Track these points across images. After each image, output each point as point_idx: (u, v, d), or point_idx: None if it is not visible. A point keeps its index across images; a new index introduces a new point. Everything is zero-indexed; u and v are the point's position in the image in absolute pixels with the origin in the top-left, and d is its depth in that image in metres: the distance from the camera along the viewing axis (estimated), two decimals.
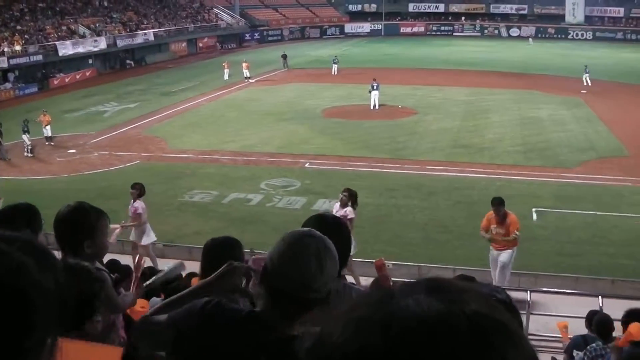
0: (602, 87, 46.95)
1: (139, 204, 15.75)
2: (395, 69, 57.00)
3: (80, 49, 58.98)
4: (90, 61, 60.92)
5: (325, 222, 3.64)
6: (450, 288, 1.11)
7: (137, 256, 14.95)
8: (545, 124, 35.30)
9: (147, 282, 5.21)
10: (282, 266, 2.52)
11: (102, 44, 61.77)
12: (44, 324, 1.31)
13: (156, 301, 7.00)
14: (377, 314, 1.03)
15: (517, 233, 14.11)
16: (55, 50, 56.29)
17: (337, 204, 14.94)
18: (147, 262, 12.66)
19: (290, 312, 2.56)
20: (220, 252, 4.42)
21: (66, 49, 57.25)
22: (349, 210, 14.70)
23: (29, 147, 30.21)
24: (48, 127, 31.95)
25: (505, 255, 14.27)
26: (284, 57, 60.14)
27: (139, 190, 15.73)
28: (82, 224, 4.25)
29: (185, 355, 2.61)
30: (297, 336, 2.52)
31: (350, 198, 14.68)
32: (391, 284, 5.75)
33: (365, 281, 11.41)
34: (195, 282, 7.40)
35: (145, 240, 15.92)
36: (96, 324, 4.09)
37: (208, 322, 2.60)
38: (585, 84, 48.16)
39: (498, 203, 14.42)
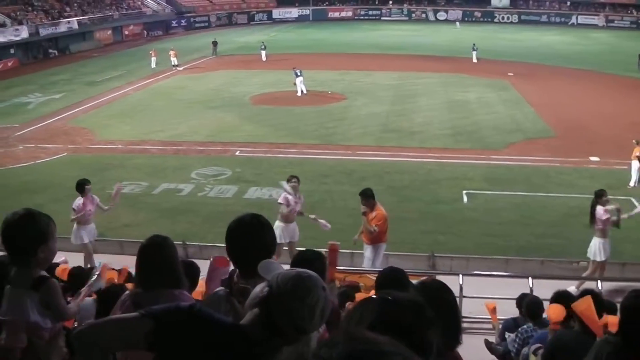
0: (528, 70, 47.88)
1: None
2: (323, 54, 57.09)
3: (1, 39, 57.45)
4: (11, 51, 59.29)
5: (429, 290, 3.60)
6: (368, 355, 1.06)
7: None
8: (473, 106, 35.78)
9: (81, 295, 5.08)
10: (284, 305, 2.53)
11: (23, 32, 60.19)
12: None
13: (88, 301, 6.84)
14: None
15: (375, 228, 13.50)
16: None
17: (287, 194, 14.70)
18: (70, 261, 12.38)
19: (275, 338, 2.57)
20: (152, 254, 4.35)
21: None
22: (301, 196, 14.79)
23: None
24: None
25: (367, 251, 13.99)
26: (214, 44, 59.62)
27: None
28: (35, 230, 4.15)
29: (163, 349, 2.55)
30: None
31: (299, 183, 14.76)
32: (332, 272, 5.74)
33: None
34: (130, 287, 7.28)
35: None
36: (43, 332, 4.01)
37: (192, 322, 2.58)
38: (474, 61, 52.45)
39: (363, 195, 13.87)
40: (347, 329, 1.53)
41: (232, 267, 4.34)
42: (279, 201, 14.89)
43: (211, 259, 4.48)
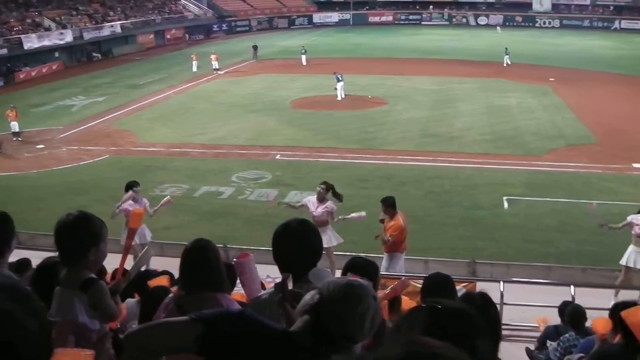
0: (569, 75, 47.38)
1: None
2: (363, 59, 57.04)
3: (46, 42, 58.29)
4: (56, 54, 60.15)
5: (474, 301, 3.64)
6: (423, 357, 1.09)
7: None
8: (514, 112, 35.52)
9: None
10: (335, 313, 2.54)
11: (68, 36, 61.07)
12: None
13: (131, 302, 6.94)
14: None
15: (389, 237, 13.32)
16: (20, 44, 55.58)
17: (313, 198, 14.84)
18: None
19: (324, 346, 2.58)
20: (196, 257, 4.40)
21: (31, 42, 56.55)
22: (329, 204, 14.70)
23: None
24: (15, 123, 31.53)
25: (383, 259, 13.76)
26: (255, 48, 59.88)
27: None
28: (88, 232, 4.22)
29: (213, 354, 2.58)
30: None
31: (328, 191, 14.68)
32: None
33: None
34: (163, 281, 7.36)
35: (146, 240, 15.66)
36: (91, 334, 4.06)
37: (242, 327, 2.59)
38: (506, 64, 52.33)
39: (384, 202, 13.73)
40: (399, 337, 1.55)
41: (251, 258, 4.39)
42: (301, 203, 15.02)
43: (234, 262, 4.52)
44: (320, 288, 2.64)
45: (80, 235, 4.20)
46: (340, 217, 14.84)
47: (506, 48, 54.19)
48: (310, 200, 14.83)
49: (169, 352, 2.94)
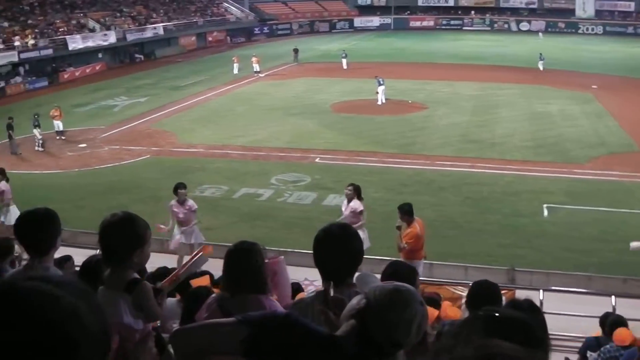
0: (612, 82, 46.78)
1: (192, 202, 15.90)
2: (404, 64, 56.87)
3: (90, 43, 59.04)
4: (99, 55, 60.95)
5: (521, 308, 3.64)
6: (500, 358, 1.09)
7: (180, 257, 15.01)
8: (555, 119, 35.19)
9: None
10: (382, 318, 2.54)
11: (111, 37, 61.79)
12: None
13: (172, 302, 7.00)
14: None
15: (404, 244, 13.14)
16: (65, 44, 56.37)
17: (345, 201, 14.98)
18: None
19: (369, 351, 2.57)
20: (240, 259, 4.39)
21: (76, 43, 57.32)
22: (357, 203, 14.75)
23: (40, 142, 30.30)
24: (60, 122, 31.99)
25: None
26: (296, 51, 60.11)
27: (186, 188, 15.76)
28: (133, 234, 4.23)
29: (258, 357, 2.57)
30: None
31: (355, 192, 14.74)
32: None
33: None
34: (204, 282, 7.41)
35: (194, 240, 15.81)
36: (135, 334, 4.08)
37: (288, 330, 2.58)
38: (541, 69, 52.80)
39: (400, 210, 13.58)
40: (456, 347, 1.53)
41: (282, 260, 4.38)
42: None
43: (267, 263, 4.52)
44: (366, 293, 2.64)
45: (125, 236, 4.20)
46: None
47: (541, 53, 54.48)
48: (343, 203, 14.96)
49: (214, 353, 2.95)
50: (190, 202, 15.79)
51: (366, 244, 14.88)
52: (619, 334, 7.44)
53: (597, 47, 69.75)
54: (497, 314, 2.35)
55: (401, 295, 2.59)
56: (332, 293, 3.27)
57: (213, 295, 4.86)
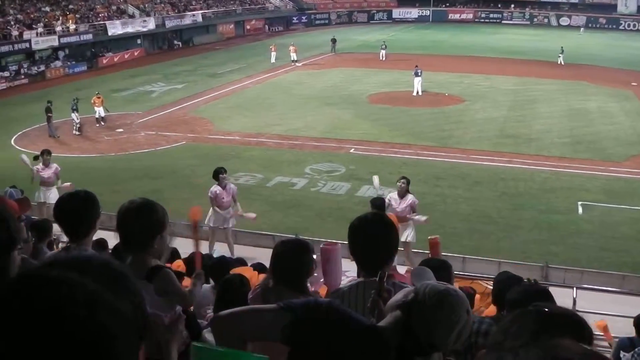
0: None
1: (234, 186, 16.13)
2: (442, 56, 56.52)
3: (129, 29, 59.52)
4: (138, 41, 61.45)
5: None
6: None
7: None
8: (594, 116, 34.79)
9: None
10: (426, 316, 2.54)
11: (150, 24, 62.22)
12: (126, 354, 1.28)
13: (206, 288, 7.05)
14: None
15: None
16: (105, 30, 56.91)
17: (395, 194, 14.87)
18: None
19: (409, 346, 2.57)
20: (289, 258, 4.37)
21: (115, 28, 57.82)
22: (411, 198, 14.75)
23: (78, 126, 30.61)
24: (101, 108, 32.23)
25: None
26: (333, 41, 59.98)
27: (225, 173, 15.82)
28: (154, 220, 4.19)
29: (299, 344, 2.59)
30: None
31: (408, 185, 14.75)
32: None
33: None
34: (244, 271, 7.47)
35: (227, 224, 15.91)
36: (163, 319, 4.08)
37: (330, 318, 2.58)
38: (559, 63, 53.30)
39: (372, 204, 13.38)
40: (505, 343, 1.51)
41: (339, 247, 4.38)
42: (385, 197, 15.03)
43: (321, 248, 4.52)
44: (417, 287, 2.63)
45: (144, 223, 4.17)
46: (413, 217, 14.86)
47: (562, 47, 54.57)
48: (392, 197, 14.85)
49: (255, 339, 2.96)
50: (231, 185, 15.95)
51: (413, 238, 14.93)
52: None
53: (638, 43, 68.70)
54: (547, 310, 2.34)
55: (450, 297, 2.57)
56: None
57: (262, 280, 4.88)
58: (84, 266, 1.34)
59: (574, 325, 2.29)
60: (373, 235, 3.80)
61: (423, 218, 14.88)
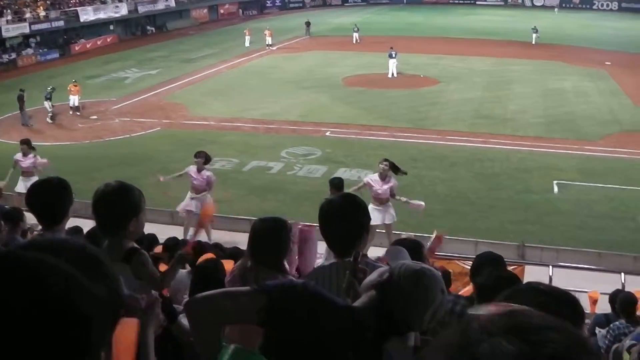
0: (628, 60, 46.29)
1: (211, 173, 15.94)
2: (417, 38, 56.52)
3: (102, 15, 58.92)
4: (111, 27, 60.79)
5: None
6: (530, 327, 1.06)
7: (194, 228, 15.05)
8: (569, 95, 34.97)
9: None
10: (400, 296, 2.54)
11: (123, 9, 61.61)
12: (100, 338, 1.27)
13: (182, 273, 7.01)
14: None
15: None
16: (77, 16, 56.29)
17: (375, 176, 14.85)
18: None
19: (384, 325, 2.57)
20: (267, 235, 4.37)
21: (87, 14, 57.22)
22: (392, 180, 14.72)
23: (50, 114, 30.29)
24: (76, 97, 31.82)
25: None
26: (308, 24, 59.80)
27: (204, 158, 15.73)
28: (128, 203, 4.21)
29: (275, 325, 2.57)
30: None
31: (391, 168, 14.68)
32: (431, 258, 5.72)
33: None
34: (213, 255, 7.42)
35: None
36: (139, 301, 4.08)
37: (305, 299, 2.56)
38: (533, 43, 53.67)
39: (331, 184, 13.35)
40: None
41: (315, 231, 4.37)
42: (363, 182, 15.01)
43: (298, 229, 4.51)
44: (392, 267, 2.62)
45: (120, 206, 4.19)
46: (403, 199, 14.84)
47: (534, 26, 54.97)
48: (372, 178, 14.83)
49: (230, 322, 2.93)
50: (208, 174, 15.87)
51: (395, 218, 14.97)
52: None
53: (612, 23, 69.02)
54: (541, 287, 2.34)
55: (425, 277, 2.57)
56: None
57: (239, 261, 4.89)
58: (58, 249, 1.33)
59: (568, 303, 2.31)
60: (343, 215, 3.78)
61: (422, 205, 14.81)
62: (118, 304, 1.40)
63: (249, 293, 2.64)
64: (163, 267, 6.08)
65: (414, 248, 4.72)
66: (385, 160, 14.92)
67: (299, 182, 21.75)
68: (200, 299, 2.79)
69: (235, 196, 20.22)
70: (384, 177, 14.66)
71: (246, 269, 4.41)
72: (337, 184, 13.25)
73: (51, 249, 1.32)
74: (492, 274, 4.99)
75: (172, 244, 9.30)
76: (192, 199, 15.83)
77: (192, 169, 15.80)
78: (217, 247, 9.96)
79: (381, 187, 14.63)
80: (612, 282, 10.64)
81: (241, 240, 5.81)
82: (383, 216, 14.66)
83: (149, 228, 8.16)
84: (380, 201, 14.75)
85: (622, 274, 11.19)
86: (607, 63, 44.22)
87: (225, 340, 2.70)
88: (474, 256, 6.55)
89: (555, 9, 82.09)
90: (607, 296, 9.28)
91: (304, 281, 2.86)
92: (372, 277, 2.67)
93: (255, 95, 35.04)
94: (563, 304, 2.30)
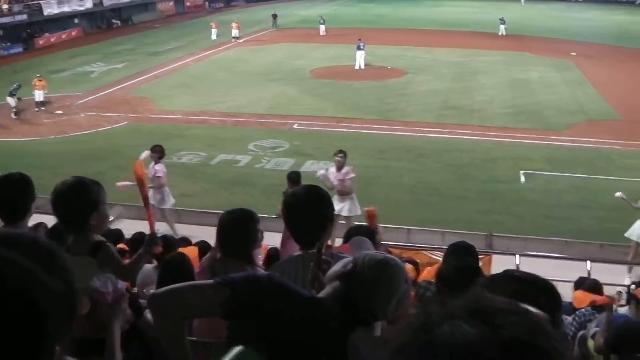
0: (593, 50, 46.78)
1: (160, 167, 15.65)
2: (385, 30, 56.69)
3: (66, 8, 58.20)
4: (76, 20, 60.12)
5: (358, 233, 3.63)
6: (491, 310, 1.06)
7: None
8: (535, 86, 35.22)
9: None
10: (364, 286, 2.53)
11: (88, 3, 60.90)
12: (55, 332, 1.24)
13: (149, 268, 6.96)
14: (415, 344, 1.02)
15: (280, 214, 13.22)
16: (40, 10, 55.57)
17: (332, 169, 14.88)
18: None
19: (349, 316, 2.55)
20: (235, 227, 4.43)
21: (51, 8, 56.51)
22: (349, 169, 14.74)
23: (14, 110, 29.87)
24: (41, 92, 31.36)
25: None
26: (274, 16, 59.67)
27: (159, 153, 15.56)
28: (86, 198, 4.19)
29: (238, 317, 2.53)
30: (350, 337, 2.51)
31: (346, 158, 14.73)
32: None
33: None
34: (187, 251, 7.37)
35: (164, 205, 15.84)
36: (105, 296, 4.06)
37: (269, 291, 2.55)
38: (500, 33, 54.06)
39: (288, 179, 13.60)
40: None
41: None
42: (317, 174, 15.01)
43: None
44: (356, 258, 2.61)
45: (78, 202, 4.17)
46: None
47: (502, 17, 55.17)
48: (331, 170, 14.88)
49: (194, 315, 2.90)
50: (158, 167, 15.67)
51: (358, 212, 14.97)
52: (577, 297, 7.60)
53: (578, 14, 69.74)
54: (518, 274, 2.36)
55: (389, 267, 2.57)
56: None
57: (208, 254, 4.89)
58: (13, 242, 1.29)
59: (546, 290, 2.33)
60: (306, 207, 3.80)
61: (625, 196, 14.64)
62: (75, 298, 1.36)
63: (213, 286, 2.61)
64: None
65: (368, 235, 4.74)
66: (340, 151, 14.96)
67: (267, 175, 21.68)
68: (164, 293, 2.76)
69: (203, 190, 20.13)
70: (339, 169, 14.71)
71: (215, 261, 4.44)
72: (293, 178, 13.33)
73: (5, 242, 1.28)
74: (450, 264, 5.05)
75: (138, 238, 9.22)
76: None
77: (150, 164, 15.67)
78: (184, 242, 9.91)
79: (336, 179, 14.69)
80: (578, 269, 10.73)
81: (209, 234, 5.81)
82: (342, 208, 14.66)
83: (118, 224, 8.09)
84: (340, 193, 14.79)
85: (588, 261, 11.27)
86: (572, 54, 44.65)
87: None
88: (442, 247, 6.58)
89: (522, 0, 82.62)
90: (573, 283, 9.38)
91: (269, 273, 2.85)
92: (336, 267, 2.67)
93: (222, 88, 34.88)
94: (541, 290, 2.32)
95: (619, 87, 34.59)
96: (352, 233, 5.11)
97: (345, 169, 14.72)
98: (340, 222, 14.31)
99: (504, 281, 2.35)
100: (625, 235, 14.13)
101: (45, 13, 55.62)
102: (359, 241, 3.04)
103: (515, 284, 2.32)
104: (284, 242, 4.57)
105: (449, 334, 1.00)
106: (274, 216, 11.97)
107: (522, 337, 1.00)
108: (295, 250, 4.34)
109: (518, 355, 0.98)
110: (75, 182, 4.22)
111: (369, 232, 5.16)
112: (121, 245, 9.25)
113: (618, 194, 14.57)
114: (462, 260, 5.04)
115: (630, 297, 7.67)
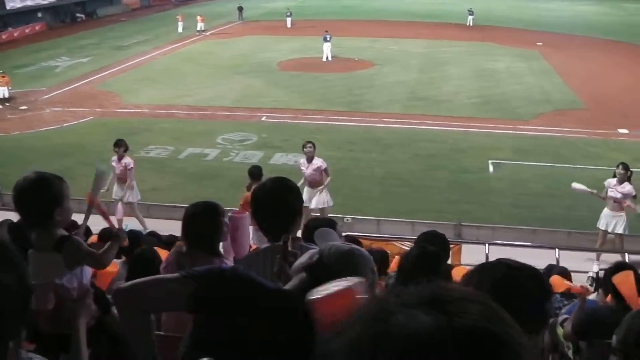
0: (558, 40, 47.15)
1: (129, 160, 15.58)
2: (353, 21, 56.77)
3: (29, 2, 57.60)
4: (39, 14, 59.42)
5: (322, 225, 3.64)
6: (448, 298, 1.04)
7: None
8: (502, 76, 35.43)
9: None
10: (330, 277, 2.47)
11: None
12: (9, 328, 1.20)
13: (118, 263, 6.89)
14: (369, 333, 1.01)
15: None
16: (2, 4, 54.87)
17: (303, 160, 14.90)
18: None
19: None
20: (199, 220, 4.43)
21: (14, 2, 55.90)
22: (320, 160, 14.75)
23: None
24: (5, 89, 30.96)
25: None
26: (240, 9, 59.55)
27: (125, 147, 15.46)
28: (49, 193, 4.12)
29: (204, 312, 2.53)
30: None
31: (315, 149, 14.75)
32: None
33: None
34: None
35: (132, 199, 15.75)
36: (70, 292, 4.00)
37: (235, 284, 2.54)
38: (468, 24, 54.72)
39: (249, 174, 13.46)
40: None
41: (247, 216, 4.38)
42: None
43: (229, 217, 4.51)
44: (321, 249, 2.60)
45: (42, 197, 4.12)
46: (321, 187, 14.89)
47: (470, 8, 55.67)
48: (301, 162, 14.92)
49: (159, 310, 2.87)
50: (127, 160, 15.59)
51: (330, 203, 14.98)
52: (553, 281, 7.66)
53: (542, 4, 70.20)
54: (509, 262, 2.37)
55: (354, 258, 2.58)
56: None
57: (174, 248, 4.87)
58: None
59: (535, 278, 2.35)
60: (274, 199, 3.78)
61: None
62: (28, 294, 1.32)
63: (177, 279, 2.59)
64: None
65: (329, 226, 4.74)
66: (309, 142, 14.97)
67: (236, 168, 21.55)
68: (128, 288, 2.73)
69: (171, 184, 20.00)
70: (310, 160, 14.72)
71: (182, 255, 4.42)
72: (253, 172, 13.25)
73: None
74: (411, 253, 5.06)
75: (107, 234, 9.12)
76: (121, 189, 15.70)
77: (114, 159, 15.57)
78: (153, 236, 9.84)
79: (307, 170, 14.71)
80: (546, 257, 10.79)
81: (178, 228, 5.76)
82: (312, 199, 14.65)
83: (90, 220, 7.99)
84: (311, 184, 14.80)
85: (557, 249, 11.36)
86: (538, 44, 44.99)
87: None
88: (412, 237, 6.59)
89: None
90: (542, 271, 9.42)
91: (233, 266, 2.84)
92: (303, 259, 2.65)
93: (189, 81, 34.68)
94: (530, 277, 2.32)
95: (584, 77, 34.88)
96: (311, 225, 5.11)
97: (315, 160, 14.72)
98: (314, 214, 14.33)
99: (493, 268, 2.35)
100: (597, 226, 14.19)
101: (7, 7, 54.99)
102: (325, 232, 3.02)
103: (504, 270, 2.32)
104: (232, 236, 4.53)
105: (403, 324, 0.99)
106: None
107: (477, 324, 0.99)
108: (246, 243, 4.34)
109: (473, 343, 0.96)
110: (37, 177, 4.15)
111: (330, 223, 5.15)
112: (92, 239, 9.17)
113: (578, 185, 14.40)
114: (422, 248, 5.03)
115: (598, 284, 7.73)
